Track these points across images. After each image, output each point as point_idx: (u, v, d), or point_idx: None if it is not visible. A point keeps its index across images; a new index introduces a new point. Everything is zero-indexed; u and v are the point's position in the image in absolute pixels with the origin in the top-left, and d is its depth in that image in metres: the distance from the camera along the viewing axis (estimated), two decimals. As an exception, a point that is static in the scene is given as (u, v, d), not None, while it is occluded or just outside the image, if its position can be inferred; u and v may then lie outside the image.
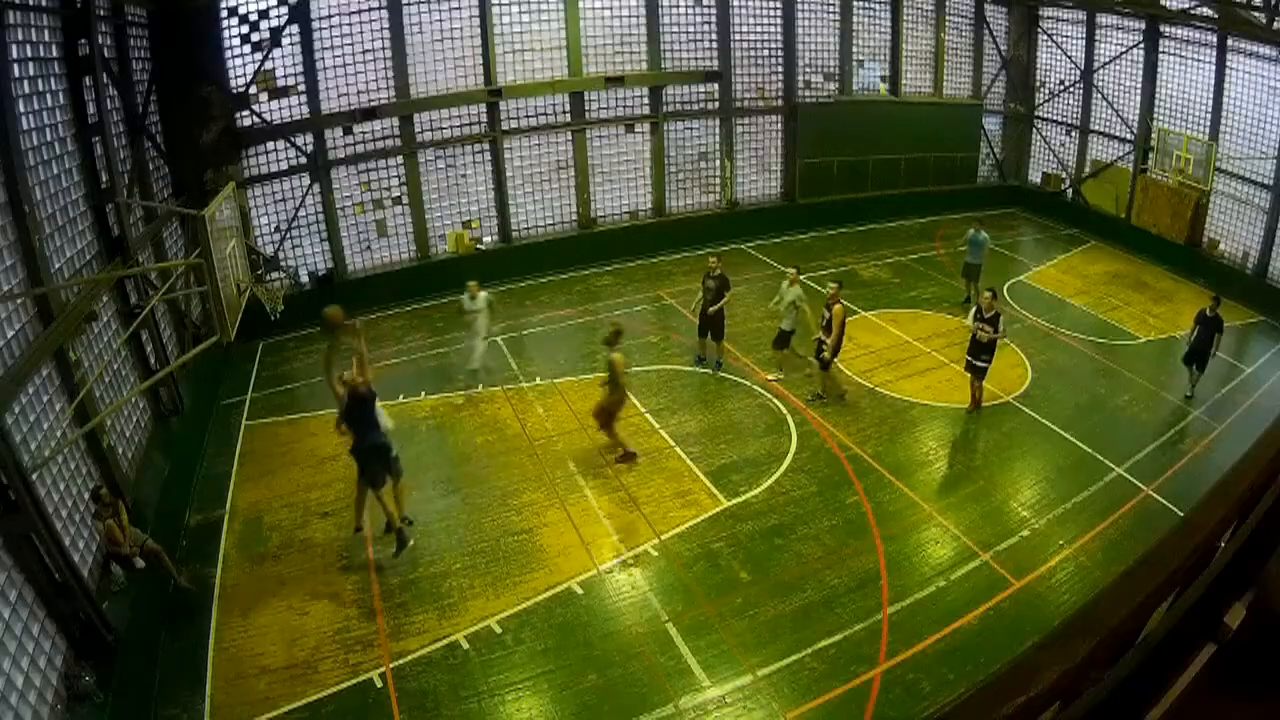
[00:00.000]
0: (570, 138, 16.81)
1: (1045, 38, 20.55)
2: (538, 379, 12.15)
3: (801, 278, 11.84)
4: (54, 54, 8.56)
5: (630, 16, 16.63)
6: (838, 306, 10.64)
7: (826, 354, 10.76)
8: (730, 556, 8.32)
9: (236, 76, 13.37)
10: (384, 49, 14.55)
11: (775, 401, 11.33)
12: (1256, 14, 14.31)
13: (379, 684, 6.86)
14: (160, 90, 12.26)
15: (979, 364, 10.69)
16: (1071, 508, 9.15)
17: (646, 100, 17.38)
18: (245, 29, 13.27)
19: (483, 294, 11.31)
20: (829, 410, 11.12)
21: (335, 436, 9.87)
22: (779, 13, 18.27)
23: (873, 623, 7.42)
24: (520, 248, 16.63)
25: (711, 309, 11.59)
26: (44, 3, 8.34)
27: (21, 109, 7.55)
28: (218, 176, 13.05)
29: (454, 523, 8.96)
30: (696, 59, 17.61)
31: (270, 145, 14.06)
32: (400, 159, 15.29)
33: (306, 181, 14.55)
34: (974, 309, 10.63)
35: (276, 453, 10.46)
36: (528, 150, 16.53)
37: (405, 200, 15.57)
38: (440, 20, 14.90)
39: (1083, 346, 13.34)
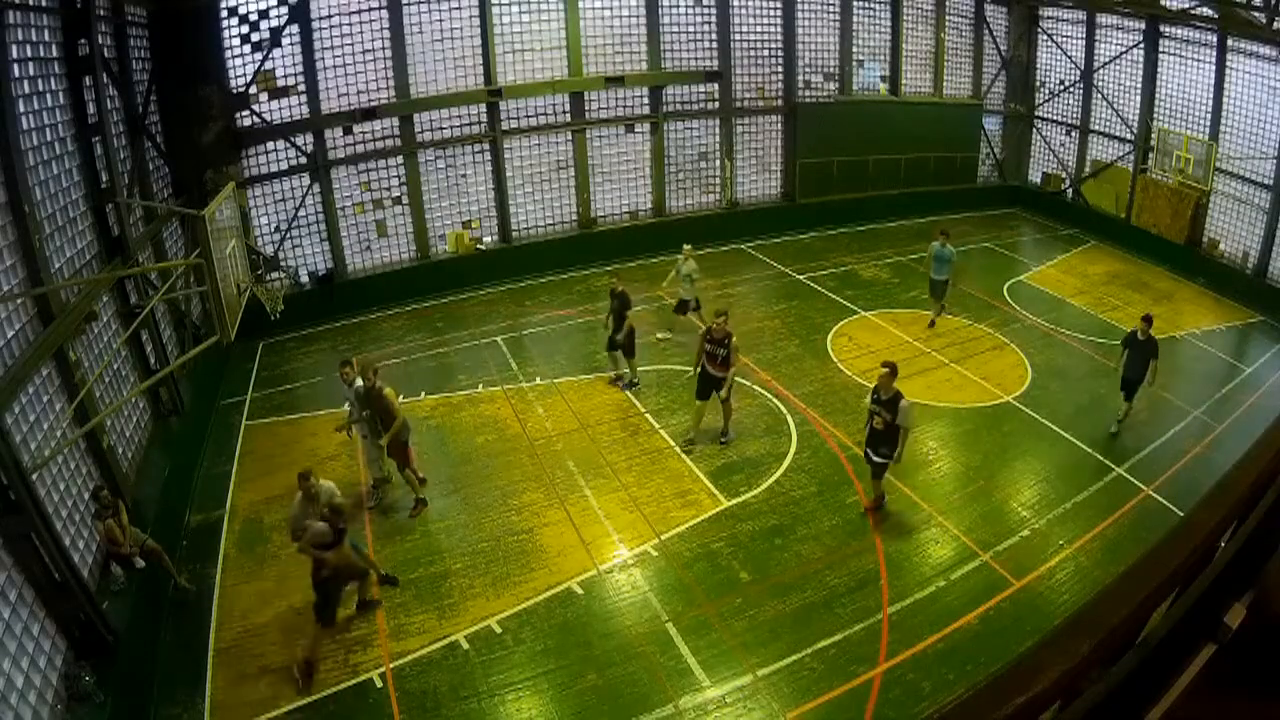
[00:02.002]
0: (570, 138, 16.81)
1: (1045, 38, 20.54)
2: (538, 379, 12.15)
3: (695, 252, 12.83)
4: (54, 54, 8.56)
5: (630, 16, 16.63)
6: (735, 340, 9.67)
7: (724, 392, 9.78)
8: (730, 556, 8.32)
9: (236, 76, 13.37)
10: (384, 49, 14.55)
11: (775, 401, 11.34)
12: (1256, 14, 14.31)
13: (379, 684, 6.86)
14: (160, 90, 12.26)
15: (877, 459, 8.46)
16: (1071, 508, 9.15)
17: (646, 100, 17.38)
18: (245, 29, 13.27)
19: (359, 380, 8.94)
20: (829, 410, 11.12)
21: (335, 436, 9.90)
22: (779, 13, 18.26)
23: (873, 623, 7.42)
24: (520, 248, 16.63)
25: (620, 336, 11.21)
26: (44, 3, 8.34)
27: (21, 109, 7.56)
28: (218, 176, 13.05)
29: (454, 523, 8.97)
30: (696, 59, 17.60)
31: (270, 145, 14.06)
32: (400, 159, 15.29)
33: (306, 181, 14.55)
34: (872, 389, 8.38)
35: (276, 453, 10.46)
36: (528, 150, 16.52)
37: (405, 200, 15.57)
38: (440, 20, 14.90)
39: (1082, 346, 13.33)
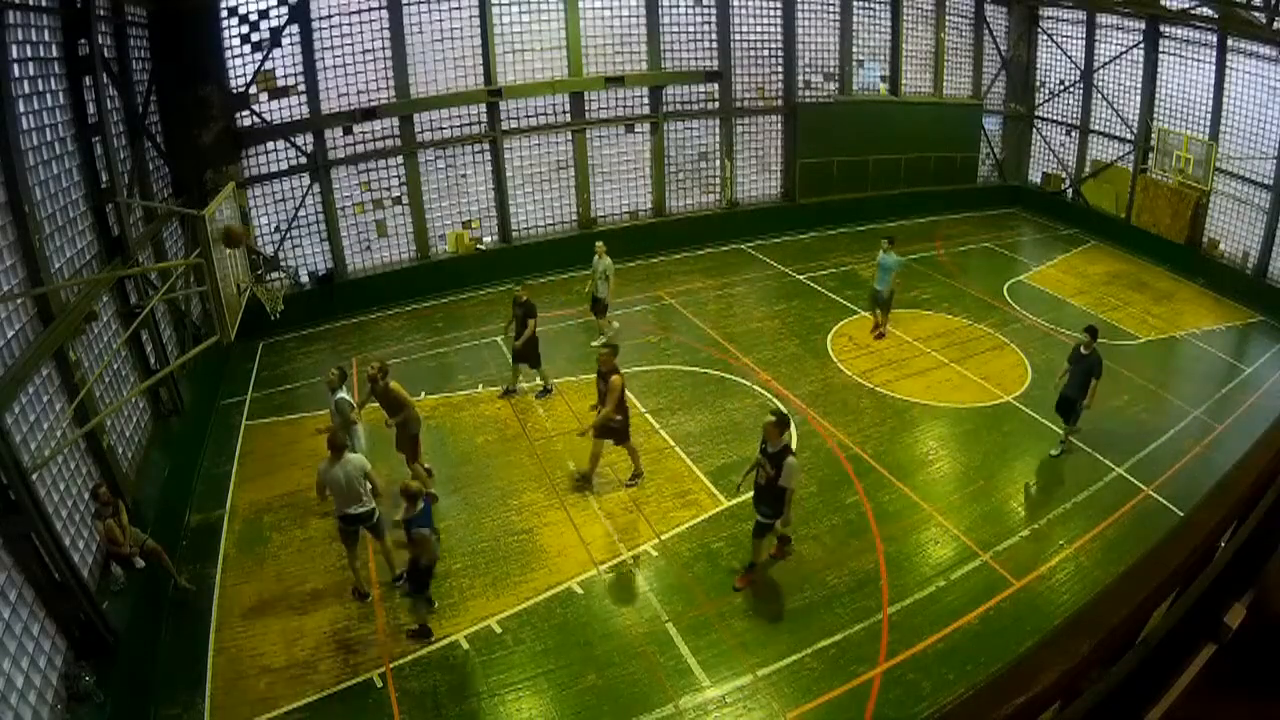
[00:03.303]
0: (570, 138, 16.81)
1: (1045, 38, 20.54)
2: (538, 379, 12.14)
3: (606, 249, 12.84)
4: (54, 54, 8.55)
5: (630, 16, 16.63)
6: (615, 377, 8.72)
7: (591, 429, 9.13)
8: (730, 556, 8.32)
9: (236, 76, 13.36)
10: (384, 49, 14.54)
11: (775, 402, 11.33)
12: (1256, 14, 14.31)
13: (379, 684, 6.86)
14: (160, 90, 12.26)
15: (762, 520, 7.45)
16: (1071, 508, 9.15)
17: (646, 100, 17.38)
18: (245, 29, 13.27)
19: (343, 392, 8.57)
20: (829, 410, 11.12)
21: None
22: (779, 13, 18.26)
23: (873, 623, 7.42)
24: (520, 248, 16.63)
25: (518, 343, 11.11)
26: (44, 3, 8.34)
27: (21, 109, 7.55)
28: (218, 176, 13.04)
29: (454, 523, 8.96)
30: (696, 59, 17.60)
31: (270, 145, 14.06)
32: (400, 159, 15.28)
33: (306, 181, 14.55)
34: (761, 442, 7.28)
35: (276, 453, 10.47)
36: (528, 150, 16.52)
37: (405, 200, 15.57)
38: (440, 20, 14.90)
39: (1083, 346, 13.32)
